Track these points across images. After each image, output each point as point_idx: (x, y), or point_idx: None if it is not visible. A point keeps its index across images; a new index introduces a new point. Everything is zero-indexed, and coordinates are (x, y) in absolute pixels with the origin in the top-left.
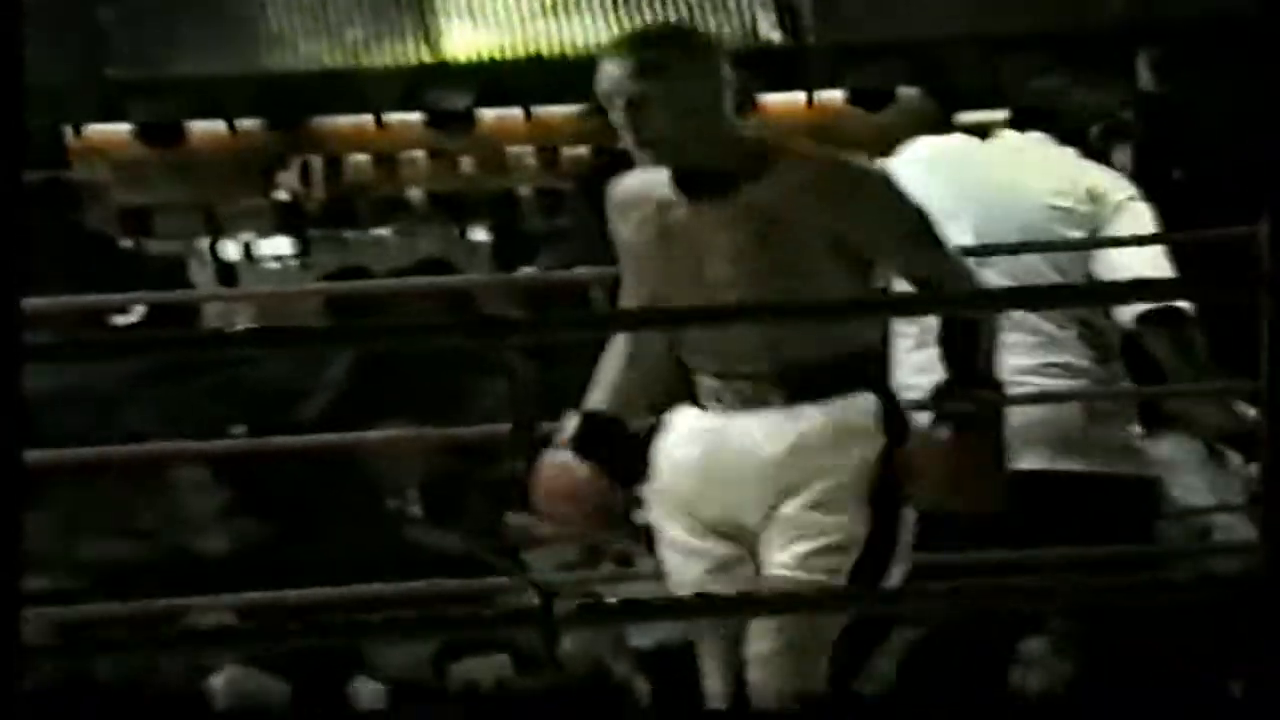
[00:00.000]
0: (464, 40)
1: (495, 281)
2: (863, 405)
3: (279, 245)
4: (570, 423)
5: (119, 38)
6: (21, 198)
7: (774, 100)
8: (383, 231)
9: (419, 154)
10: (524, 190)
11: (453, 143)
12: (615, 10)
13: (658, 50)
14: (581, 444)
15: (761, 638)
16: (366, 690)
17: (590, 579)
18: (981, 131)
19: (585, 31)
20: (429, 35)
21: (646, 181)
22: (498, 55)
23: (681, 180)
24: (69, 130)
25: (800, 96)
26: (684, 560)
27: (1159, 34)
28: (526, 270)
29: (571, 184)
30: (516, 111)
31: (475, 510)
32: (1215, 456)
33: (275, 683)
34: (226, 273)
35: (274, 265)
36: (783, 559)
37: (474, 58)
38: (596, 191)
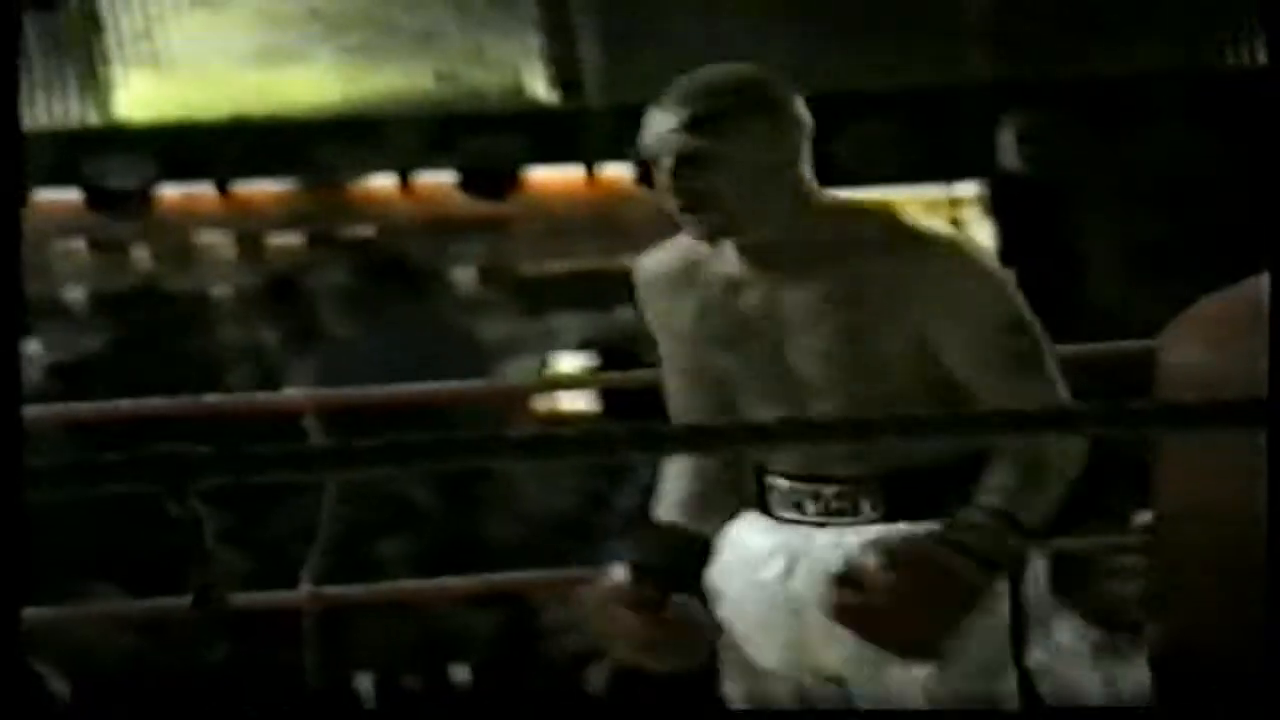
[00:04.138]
0: (144, 97)
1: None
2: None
3: None
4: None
5: None
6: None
7: (544, 174)
8: (28, 345)
9: (78, 243)
10: (219, 290)
11: (123, 229)
12: (345, 61)
13: (718, 98)
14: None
15: None
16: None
17: None
18: None
19: (303, 87)
20: (98, 89)
21: (701, 255)
22: (187, 116)
23: (752, 253)
24: None
25: (578, 170)
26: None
27: (1029, 96)
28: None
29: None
30: (208, 188)
31: None
32: (1115, 646)
33: None
34: None
35: None
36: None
37: (156, 119)
38: (310, 290)
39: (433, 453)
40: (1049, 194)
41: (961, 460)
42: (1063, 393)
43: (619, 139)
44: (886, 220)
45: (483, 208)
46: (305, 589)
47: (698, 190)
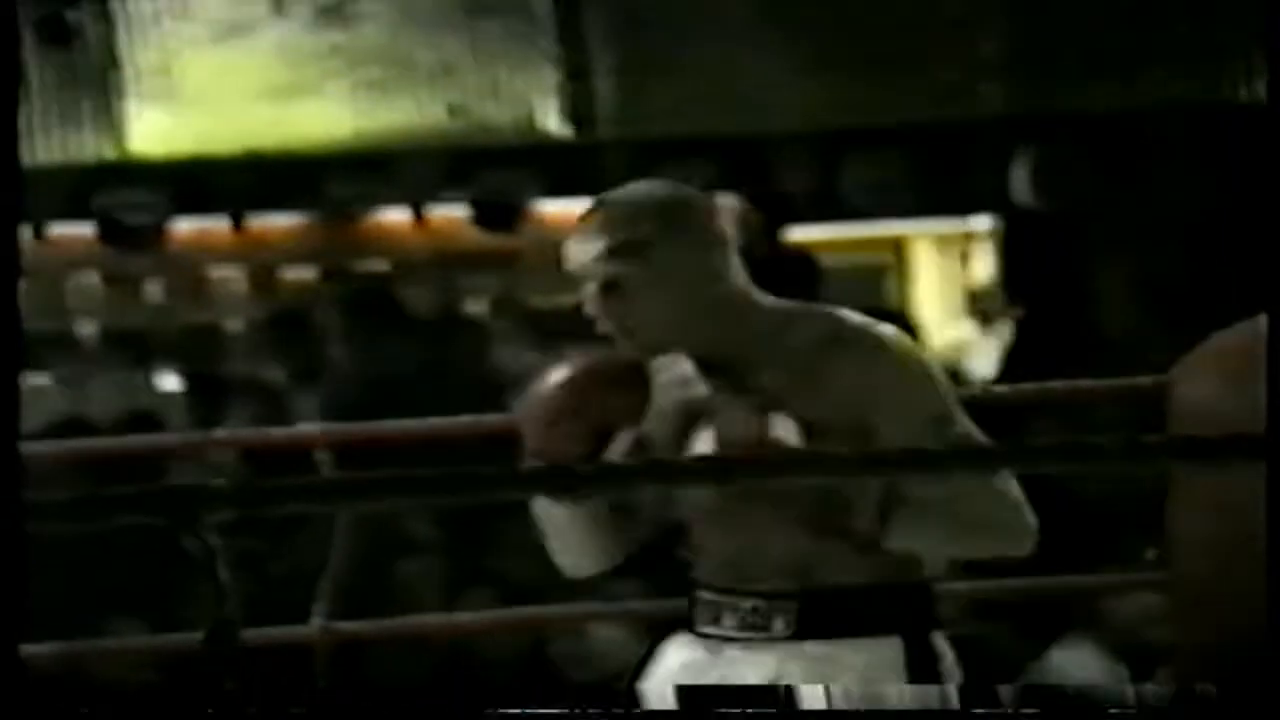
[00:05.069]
0: (158, 131)
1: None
2: (888, 654)
3: None
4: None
5: None
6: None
7: (557, 209)
8: (39, 380)
9: (91, 277)
10: (232, 323)
11: (137, 263)
12: (358, 96)
13: (636, 224)
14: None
15: None
16: None
17: None
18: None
19: (316, 121)
20: (112, 123)
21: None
22: (201, 150)
23: (695, 360)
24: None
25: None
26: None
27: (1043, 130)
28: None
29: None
30: (222, 222)
31: None
32: (1136, 679)
33: None
34: None
35: None
36: None
37: (169, 153)
38: (322, 322)
39: (444, 486)
40: (1063, 228)
41: (882, 584)
42: (1005, 483)
43: (631, 173)
44: (825, 322)
45: (495, 241)
46: (317, 623)
47: (623, 315)
